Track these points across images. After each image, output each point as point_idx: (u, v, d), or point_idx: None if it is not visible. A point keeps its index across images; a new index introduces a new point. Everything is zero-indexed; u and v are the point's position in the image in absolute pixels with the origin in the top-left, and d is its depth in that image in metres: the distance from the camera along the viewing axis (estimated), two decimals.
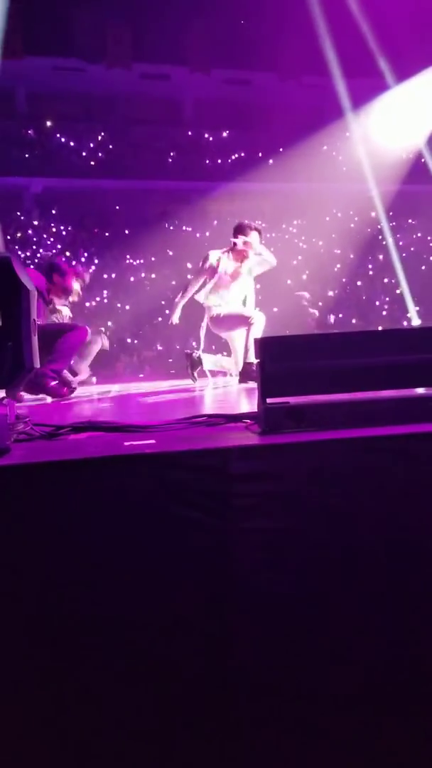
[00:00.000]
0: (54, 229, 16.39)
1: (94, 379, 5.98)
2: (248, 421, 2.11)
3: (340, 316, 13.67)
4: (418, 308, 14.28)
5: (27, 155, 17.30)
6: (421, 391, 2.20)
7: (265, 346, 1.93)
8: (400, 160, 16.73)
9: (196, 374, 5.81)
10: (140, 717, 1.61)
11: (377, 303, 15.34)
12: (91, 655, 1.59)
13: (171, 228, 16.62)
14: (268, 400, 1.92)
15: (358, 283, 15.44)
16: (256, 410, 2.01)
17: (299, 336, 1.99)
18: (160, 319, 13.20)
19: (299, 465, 1.73)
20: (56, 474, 1.63)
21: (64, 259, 5.02)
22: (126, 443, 1.83)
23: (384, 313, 15.08)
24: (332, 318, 10.01)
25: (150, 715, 1.61)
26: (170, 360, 12.12)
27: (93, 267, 14.27)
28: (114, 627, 1.60)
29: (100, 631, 1.59)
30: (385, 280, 15.80)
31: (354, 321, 13.89)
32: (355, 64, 15.42)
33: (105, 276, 14.42)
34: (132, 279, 14.93)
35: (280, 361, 1.92)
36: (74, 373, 4.86)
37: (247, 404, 3.16)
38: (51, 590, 1.58)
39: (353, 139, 16.72)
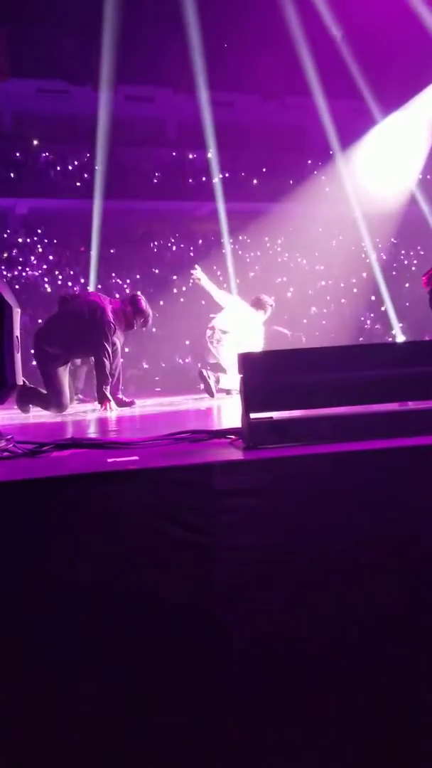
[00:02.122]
0: (40, 249, 16.41)
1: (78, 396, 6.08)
2: (232, 436, 2.11)
3: (326, 331, 13.73)
4: (402, 325, 14.38)
5: (13, 176, 17.36)
6: (403, 405, 2.21)
7: (247, 361, 1.94)
8: (384, 180, 16.93)
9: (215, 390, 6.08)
10: (128, 735, 1.59)
11: (362, 322, 15.44)
12: (73, 675, 1.57)
13: (156, 247, 16.69)
14: (252, 416, 1.92)
15: (342, 300, 15.54)
16: (240, 425, 2.01)
17: (282, 351, 2.00)
18: (143, 338, 13.19)
19: (283, 479, 1.73)
20: (39, 491, 1.62)
21: (143, 299, 5.27)
22: (109, 460, 1.83)
23: (369, 329, 15.17)
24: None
25: (138, 732, 1.59)
26: (156, 378, 12.09)
27: (77, 287, 14.28)
28: (98, 645, 1.58)
29: (82, 651, 1.58)
30: (369, 295, 15.91)
31: (338, 339, 13.95)
32: (337, 86, 15.65)
33: None
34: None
35: (263, 377, 1.93)
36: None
37: (232, 420, 3.17)
38: (34, 608, 1.56)
39: (336, 159, 16.93)
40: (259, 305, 6.74)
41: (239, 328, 6.46)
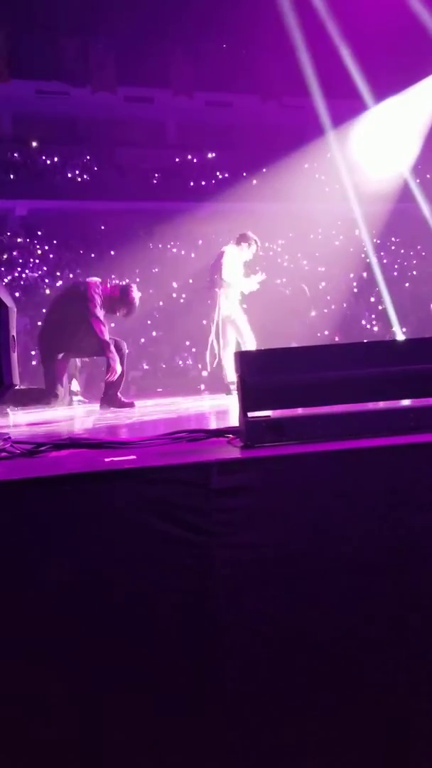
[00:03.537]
0: (39, 251, 16.42)
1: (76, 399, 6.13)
2: (230, 435, 2.11)
3: (326, 333, 13.73)
4: (403, 326, 14.38)
5: (12, 177, 17.38)
6: (401, 403, 2.21)
7: (245, 359, 1.93)
8: (383, 180, 16.94)
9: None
10: (127, 735, 1.58)
11: (362, 322, 15.44)
12: (67, 675, 1.56)
13: (156, 248, 16.70)
14: (249, 414, 1.92)
15: (343, 303, 15.53)
16: (238, 424, 2.01)
17: (279, 349, 1.99)
18: (143, 339, 13.20)
19: (281, 478, 1.72)
20: (36, 491, 1.61)
21: (135, 291, 5.32)
22: (106, 459, 1.82)
23: (373, 328, 15.17)
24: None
25: (132, 736, 1.58)
26: (156, 379, 12.10)
27: None
28: (93, 645, 1.58)
29: (78, 650, 1.57)
30: (371, 299, 15.91)
31: (338, 338, 13.96)
32: (335, 86, 15.67)
33: None
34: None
35: (260, 375, 1.92)
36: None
37: (231, 419, 3.16)
38: (30, 608, 1.56)
39: (335, 159, 16.94)
40: (242, 239, 6.67)
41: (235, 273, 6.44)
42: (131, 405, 5.26)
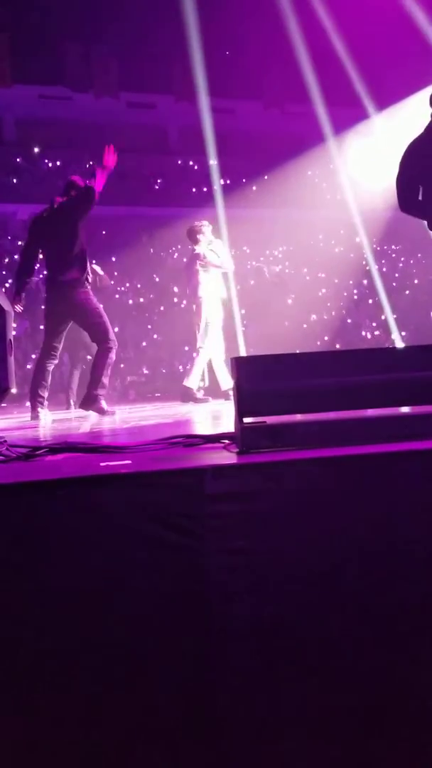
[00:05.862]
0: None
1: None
2: (226, 441, 2.11)
3: (326, 339, 13.74)
4: (403, 333, 14.37)
5: (15, 181, 17.43)
6: (398, 410, 2.21)
7: (241, 365, 1.94)
8: (384, 188, 16.97)
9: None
10: (111, 746, 1.58)
11: (362, 329, 15.45)
12: (60, 678, 1.56)
13: (157, 254, 16.72)
14: (245, 420, 1.92)
15: (343, 310, 15.52)
16: (234, 430, 2.01)
17: (276, 355, 2.00)
18: (144, 343, 13.22)
19: (276, 485, 1.72)
20: (32, 494, 1.61)
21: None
22: (102, 464, 1.83)
23: (374, 332, 15.17)
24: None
25: (122, 744, 1.58)
26: (156, 384, 12.09)
27: None
28: (87, 650, 1.58)
29: (71, 656, 1.57)
30: (371, 307, 15.92)
31: (338, 345, 13.97)
32: (337, 93, 15.71)
33: None
34: (118, 304, 14.95)
35: (256, 381, 1.92)
36: None
37: (228, 425, 3.16)
38: (26, 612, 1.56)
39: (336, 166, 16.98)
40: (193, 234, 6.61)
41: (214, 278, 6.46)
42: (112, 413, 5.00)
